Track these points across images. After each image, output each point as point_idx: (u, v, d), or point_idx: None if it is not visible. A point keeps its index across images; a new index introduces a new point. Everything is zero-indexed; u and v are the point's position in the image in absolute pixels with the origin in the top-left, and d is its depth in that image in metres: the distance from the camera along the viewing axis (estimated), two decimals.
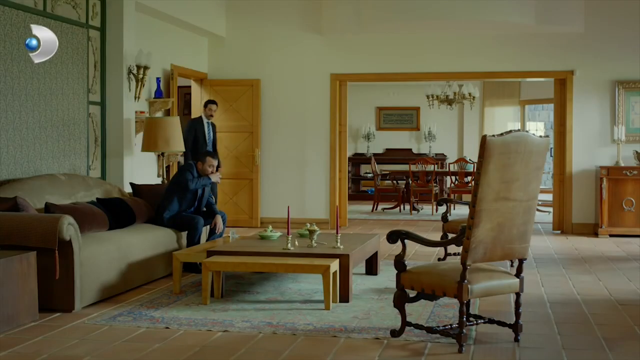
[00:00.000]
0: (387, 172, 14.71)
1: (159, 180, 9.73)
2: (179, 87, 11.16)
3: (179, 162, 10.37)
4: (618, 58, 10.67)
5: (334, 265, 5.95)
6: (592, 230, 10.76)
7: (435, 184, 14.07)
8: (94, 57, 8.36)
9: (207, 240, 7.86)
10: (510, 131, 4.64)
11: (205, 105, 10.49)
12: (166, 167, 9.97)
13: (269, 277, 7.07)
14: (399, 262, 4.97)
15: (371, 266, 7.36)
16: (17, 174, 7.01)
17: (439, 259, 8.22)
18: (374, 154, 17.04)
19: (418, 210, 14.13)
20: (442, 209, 13.60)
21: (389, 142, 17.70)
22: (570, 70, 10.83)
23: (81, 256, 5.84)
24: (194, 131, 10.23)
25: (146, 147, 8.80)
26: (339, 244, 6.44)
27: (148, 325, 5.35)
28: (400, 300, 4.99)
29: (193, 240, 7.49)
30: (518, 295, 4.98)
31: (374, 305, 6.01)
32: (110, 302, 6.14)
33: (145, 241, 6.97)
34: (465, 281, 4.63)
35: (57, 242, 5.59)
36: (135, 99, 8.89)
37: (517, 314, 4.98)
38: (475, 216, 4.57)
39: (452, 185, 13.87)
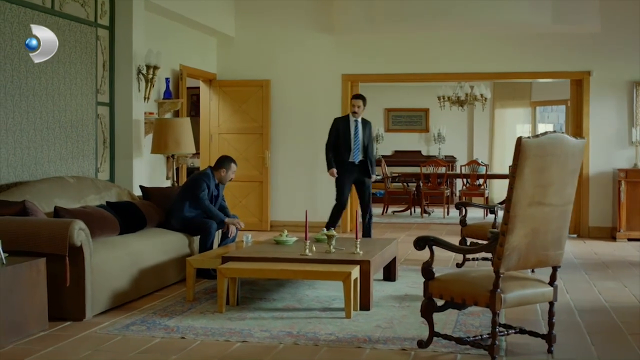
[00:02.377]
0: (398, 175, 14.46)
1: (167, 183, 9.53)
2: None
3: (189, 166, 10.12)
4: (636, 58, 10.42)
5: (355, 272, 5.73)
6: (610, 234, 10.53)
7: (446, 187, 13.84)
8: (102, 57, 8.14)
9: (219, 245, 7.64)
10: (546, 132, 4.42)
11: (351, 101, 9.54)
12: (176, 169, 9.75)
13: (285, 283, 6.85)
14: (427, 270, 4.75)
15: (389, 272, 7.13)
16: (24, 176, 6.80)
17: (457, 265, 8.01)
18: (383, 156, 16.80)
19: (429, 214, 13.89)
20: (454, 211, 13.51)
21: (397, 144, 17.48)
22: (586, 71, 10.60)
23: (92, 262, 5.61)
24: (334, 130, 9.36)
25: (156, 148, 8.58)
26: (358, 250, 6.21)
27: (163, 335, 5.12)
28: (428, 310, 4.77)
29: (206, 245, 7.27)
30: (551, 304, 4.75)
31: (396, 314, 5.78)
32: (121, 310, 5.91)
33: (157, 246, 6.75)
34: (499, 290, 4.40)
35: (67, 248, 5.37)
36: (144, 99, 8.67)
37: (551, 324, 4.75)
38: (510, 222, 4.34)
39: (464, 187, 13.61)
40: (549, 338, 4.73)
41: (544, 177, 4.39)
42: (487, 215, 12.80)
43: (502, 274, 4.41)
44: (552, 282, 4.73)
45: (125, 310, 5.90)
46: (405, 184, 14.20)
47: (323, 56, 11.24)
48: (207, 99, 11.46)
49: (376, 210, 14.48)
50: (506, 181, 14.18)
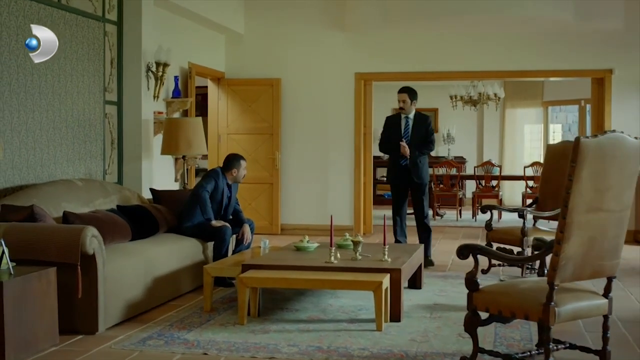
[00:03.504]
0: None
1: (176, 185, 9.16)
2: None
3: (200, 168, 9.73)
4: None
5: (386, 281, 5.36)
6: (633, 238, 10.17)
7: (459, 189, 13.48)
8: (110, 53, 7.76)
9: (234, 252, 7.26)
10: (606, 132, 4.05)
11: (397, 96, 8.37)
12: (185, 170, 9.37)
13: (306, 291, 6.47)
14: (471, 281, 4.37)
15: (415, 279, 6.76)
16: (30, 179, 6.42)
17: (483, 271, 7.63)
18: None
19: (441, 216, 13.53)
20: (466, 213, 13.15)
21: None
22: (608, 69, 10.23)
23: (105, 271, 5.24)
24: (385, 131, 8.44)
25: (166, 149, 8.21)
26: (386, 256, 5.84)
27: (183, 351, 4.75)
28: (472, 324, 4.40)
29: (220, 252, 6.90)
30: (606, 317, 4.38)
31: (430, 326, 5.41)
32: (136, 322, 5.54)
33: (171, 253, 6.38)
34: (552, 303, 4.04)
35: (79, 256, 4.99)
36: (154, 98, 8.29)
37: (605, 339, 4.38)
38: (566, 229, 3.97)
39: (477, 189, 13.24)
40: (603, 354, 4.37)
41: (603, 181, 4.03)
42: (500, 218, 12.46)
43: (556, 286, 4.04)
44: (606, 293, 4.36)
45: (140, 322, 5.52)
46: None
47: (335, 54, 10.88)
48: (216, 98, 11.08)
49: (382, 212, 14.03)
50: (520, 183, 13.97)
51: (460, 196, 13.48)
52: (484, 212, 7.74)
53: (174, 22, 9.26)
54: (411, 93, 8.19)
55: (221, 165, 7.53)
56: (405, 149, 8.08)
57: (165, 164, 8.93)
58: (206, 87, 11.30)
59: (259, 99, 10.97)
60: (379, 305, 5.23)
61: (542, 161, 13.85)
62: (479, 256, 4.42)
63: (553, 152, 7.82)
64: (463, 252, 4.41)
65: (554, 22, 10.13)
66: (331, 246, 5.79)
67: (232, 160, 7.44)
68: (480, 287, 4.40)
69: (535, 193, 12.83)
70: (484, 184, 13.11)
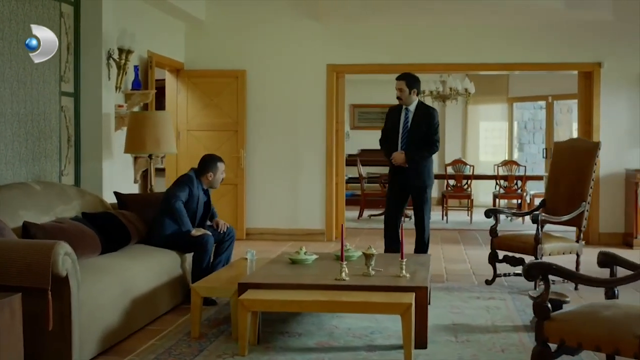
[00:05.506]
0: (378, 175, 13.35)
1: (135, 187, 8.21)
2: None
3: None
4: None
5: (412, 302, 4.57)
6: (622, 241, 9.63)
7: None
8: (67, 38, 6.77)
9: (212, 264, 6.33)
10: None
11: None
12: (144, 171, 8.43)
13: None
14: (542, 307, 3.62)
15: None
16: None
17: (487, 281, 6.94)
18: (349, 155, 15.66)
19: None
20: (435, 214, 12.38)
21: (364, 143, 16.36)
22: (597, 62, 9.67)
23: (79, 296, 4.32)
24: (386, 124, 7.46)
25: (131, 147, 7.27)
26: (404, 272, 5.06)
27: None
28: (543, 359, 3.65)
29: (201, 265, 6.01)
30: None
31: (463, 354, 4.66)
32: (115, 354, 4.64)
33: (148, 269, 5.47)
34: None
35: (50, 279, 4.06)
36: (116, 89, 7.34)
37: None
38: None
39: (448, 189, 12.59)
40: None
41: None
42: (471, 220, 11.84)
43: None
44: None
45: (120, 354, 4.62)
46: (383, 185, 13.11)
47: (307, 44, 10.03)
48: (174, 91, 10.12)
49: (348, 214, 13.32)
50: (488, 183, 13.39)
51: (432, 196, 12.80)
52: (488, 216, 7.04)
53: (132, 7, 8.25)
54: (410, 80, 7.18)
55: (196, 167, 6.62)
56: (399, 158, 7.12)
57: (124, 163, 7.94)
58: (164, 79, 10.29)
59: (222, 92, 10.06)
60: (407, 332, 4.43)
61: (512, 159, 13.40)
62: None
63: (561, 151, 7.18)
64: (532, 272, 3.66)
65: (540, 12, 9.52)
66: (342, 260, 4.98)
67: (207, 162, 6.56)
68: (552, 313, 3.65)
69: (510, 194, 12.30)
70: (454, 184, 12.45)
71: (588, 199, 6.73)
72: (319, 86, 10.04)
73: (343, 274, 4.95)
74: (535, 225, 6.49)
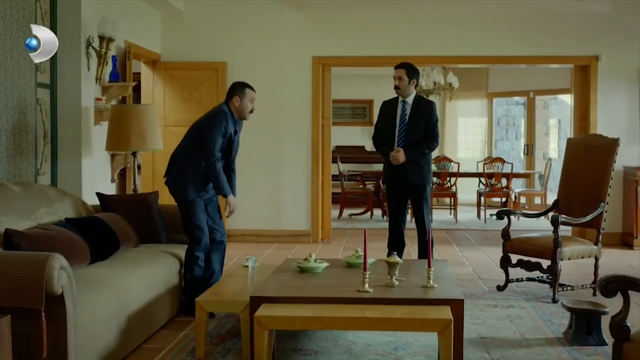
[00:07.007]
0: (359, 172, 12.88)
1: (112, 187, 7.61)
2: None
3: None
4: None
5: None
6: (621, 241, 9.31)
7: None
8: (42, 23, 6.15)
9: (204, 274, 5.75)
10: None
11: None
12: (122, 169, 7.85)
13: None
14: (621, 327, 3.18)
15: None
16: None
17: (498, 287, 6.51)
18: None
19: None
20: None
21: (338, 139, 15.85)
22: (594, 56, 9.31)
23: (75, 316, 3.76)
24: (380, 118, 6.83)
25: (113, 144, 6.68)
26: (431, 282, 4.58)
27: None
28: None
29: (193, 273, 5.48)
30: None
31: None
32: None
33: (145, 280, 4.91)
34: None
35: (44, 299, 3.50)
36: (96, 80, 6.74)
37: None
38: None
39: (433, 187, 12.15)
40: None
41: None
42: (456, 220, 11.43)
43: None
44: None
45: None
46: (363, 182, 12.65)
47: (291, 35, 9.51)
48: (151, 84, 9.51)
49: (332, 213, 12.85)
50: (471, 180, 12.99)
51: None
52: (500, 218, 6.61)
53: None
54: (411, 70, 6.61)
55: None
56: (398, 156, 6.53)
57: (101, 161, 7.33)
58: (139, 73, 9.66)
59: (201, 85, 9.47)
60: (447, 351, 3.95)
61: (496, 156, 13.02)
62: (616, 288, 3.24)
63: (575, 147, 6.78)
64: (609, 287, 3.20)
65: (535, 4, 9.13)
66: (365, 269, 4.48)
67: (234, 86, 5.78)
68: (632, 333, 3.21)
69: (496, 192, 11.93)
70: (439, 182, 12.03)
71: (607, 199, 6.32)
72: (304, 79, 9.54)
73: (366, 285, 4.45)
74: (553, 227, 6.08)
